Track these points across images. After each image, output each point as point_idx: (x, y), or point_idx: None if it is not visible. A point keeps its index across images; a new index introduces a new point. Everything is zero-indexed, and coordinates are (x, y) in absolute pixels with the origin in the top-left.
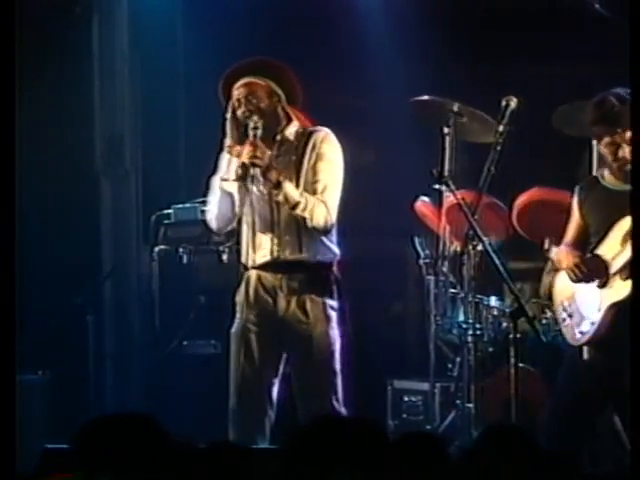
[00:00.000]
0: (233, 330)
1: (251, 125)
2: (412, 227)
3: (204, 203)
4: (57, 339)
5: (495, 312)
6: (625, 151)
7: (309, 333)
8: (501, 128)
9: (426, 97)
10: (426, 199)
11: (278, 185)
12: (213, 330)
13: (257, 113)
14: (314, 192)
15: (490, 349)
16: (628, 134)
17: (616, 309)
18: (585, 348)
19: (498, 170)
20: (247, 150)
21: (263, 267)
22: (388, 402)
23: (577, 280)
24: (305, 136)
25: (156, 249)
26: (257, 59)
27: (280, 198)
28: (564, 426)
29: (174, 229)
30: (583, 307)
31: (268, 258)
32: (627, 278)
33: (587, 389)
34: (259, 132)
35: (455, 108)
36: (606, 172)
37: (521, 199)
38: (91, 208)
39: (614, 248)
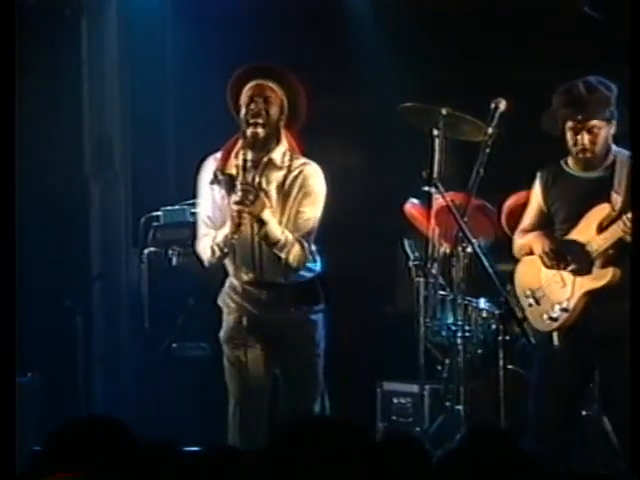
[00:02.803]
0: (222, 334)
1: (249, 135)
2: (401, 229)
3: (193, 205)
4: (47, 341)
5: (484, 314)
6: (585, 139)
7: (294, 338)
8: (490, 130)
9: (414, 103)
10: (415, 201)
11: (261, 222)
12: (202, 332)
13: (262, 117)
14: (296, 227)
15: (479, 351)
16: (591, 123)
17: (590, 296)
18: (555, 335)
19: (487, 172)
20: (236, 196)
21: (249, 284)
22: (377, 404)
23: (551, 265)
24: (295, 168)
25: (145, 251)
26: (272, 64)
27: (262, 234)
28: (547, 420)
29: (163, 231)
30: (553, 293)
31: (251, 277)
32: (605, 266)
33: (561, 375)
34: (261, 131)
35: (444, 112)
36: (570, 159)
37: (510, 201)
38: (80, 210)
39: (587, 235)
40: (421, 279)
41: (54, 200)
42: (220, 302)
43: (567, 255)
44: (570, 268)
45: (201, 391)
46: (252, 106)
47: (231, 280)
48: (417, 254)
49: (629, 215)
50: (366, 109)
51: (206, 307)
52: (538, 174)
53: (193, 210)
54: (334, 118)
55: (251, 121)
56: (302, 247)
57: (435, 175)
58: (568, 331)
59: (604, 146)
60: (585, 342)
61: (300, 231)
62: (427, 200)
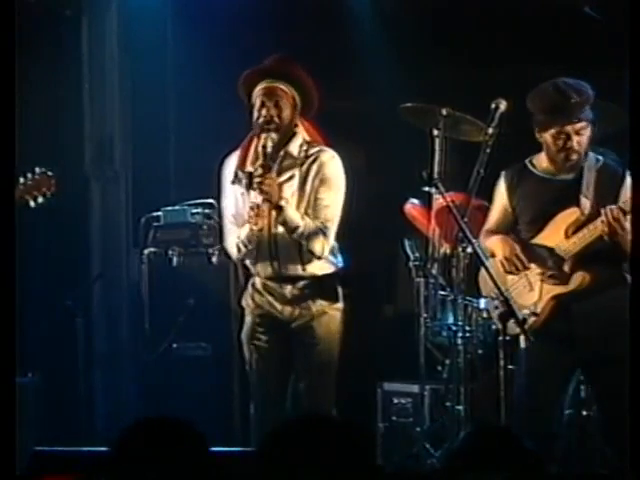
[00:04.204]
0: (243, 334)
1: (262, 142)
2: (402, 229)
3: (194, 206)
4: (47, 341)
5: (485, 314)
6: (574, 142)
7: (314, 335)
8: (490, 130)
9: (415, 103)
10: (416, 201)
11: (279, 208)
12: (203, 332)
13: (274, 124)
14: (315, 215)
15: (480, 351)
16: (578, 125)
17: (558, 300)
18: (521, 337)
19: (487, 172)
20: (258, 173)
21: (268, 279)
22: (378, 404)
23: (511, 270)
24: (311, 155)
25: (146, 251)
26: (282, 60)
27: (280, 220)
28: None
29: (164, 231)
30: (519, 297)
31: (270, 272)
32: (573, 270)
33: (534, 377)
34: (269, 150)
35: (444, 112)
36: (542, 160)
37: None
38: (81, 211)
39: (556, 239)
40: (421, 279)
41: (54, 200)
42: (243, 303)
43: (531, 259)
44: (536, 272)
45: (202, 391)
46: (264, 112)
47: (253, 279)
48: (417, 254)
49: (612, 208)
50: (366, 109)
51: (206, 307)
52: (502, 173)
53: (194, 211)
54: (334, 118)
55: (264, 127)
56: (324, 235)
57: (435, 175)
58: (535, 333)
59: (587, 147)
60: (554, 344)
61: (320, 218)
62: (427, 200)
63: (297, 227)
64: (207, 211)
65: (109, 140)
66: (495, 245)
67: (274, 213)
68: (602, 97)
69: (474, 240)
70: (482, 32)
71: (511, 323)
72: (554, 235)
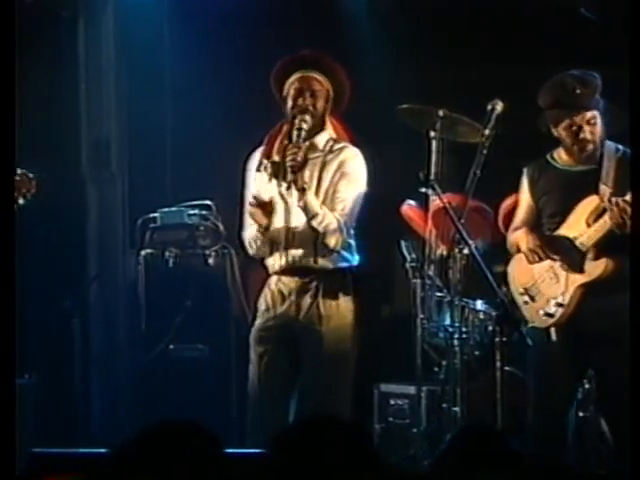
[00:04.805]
0: (252, 335)
1: (296, 125)
2: (398, 231)
3: (190, 207)
4: (44, 342)
5: (481, 316)
6: (586, 132)
7: (323, 335)
8: (487, 132)
9: (411, 105)
10: (412, 202)
11: (303, 191)
12: (200, 334)
13: (309, 113)
14: (332, 208)
15: (476, 353)
16: (588, 114)
17: (584, 289)
18: (552, 330)
19: (484, 173)
20: (291, 151)
21: (280, 272)
22: (374, 405)
23: (535, 261)
24: (335, 150)
25: (142, 253)
26: (318, 52)
27: (301, 204)
28: (545, 418)
29: (160, 233)
30: (547, 289)
31: (283, 264)
32: (597, 258)
33: (559, 370)
34: (303, 133)
35: (441, 113)
36: (561, 154)
37: (506, 202)
38: (77, 212)
39: (578, 229)
40: (418, 281)
41: (50, 201)
42: (258, 304)
43: (553, 251)
44: (560, 263)
45: (198, 392)
46: (299, 101)
47: (269, 280)
48: (414, 256)
49: (618, 200)
50: (362, 110)
51: (203, 309)
52: (524, 170)
53: (190, 212)
54: None
55: (299, 116)
56: (339, 228)
57: (432, 176)
58: (565, 326)
59: (602, 136)
60: (582, 337)
61: (336, 211)
62: (424, 202)
63: (317, 214)
64: (204, 212)
65: (106, 141)
66: (519, 238)
67: (297, 196)
68: (603, 97)
69: (471, 241)
70: (479, 33)
71: (542, 317)
72: (576, 225)
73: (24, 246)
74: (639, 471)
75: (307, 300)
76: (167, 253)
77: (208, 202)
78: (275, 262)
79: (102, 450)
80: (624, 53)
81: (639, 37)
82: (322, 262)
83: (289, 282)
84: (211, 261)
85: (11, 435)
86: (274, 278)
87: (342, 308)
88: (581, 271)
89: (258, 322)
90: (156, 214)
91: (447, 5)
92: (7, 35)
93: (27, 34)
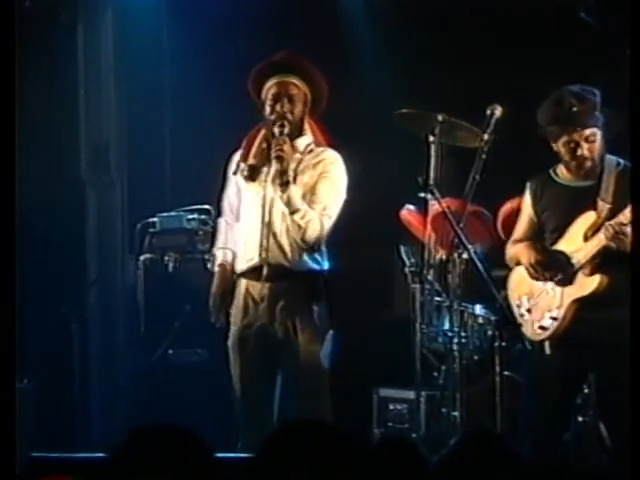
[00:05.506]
0: (229, 342)
1: (276, 133)
2: (398, 235)
3: (190, 212)
4: (43, 347)
5: (480, 320)
6: (584, 149)
7: (297, 340)
8: (486, 136)
9: (410, 109)
10: (411, 207)
11: (287, 184)
12: (199, 338)
13: (287, 119)
14: (312, 209)
15: (475, 357)
16: (587, 132)
17: (579, 304)
18: (546, 344)
19: (483, 178)
20: (277, 142)
21: (250, 273)
22: (374, 410)
23: (537, 276)
24: (314, 154)
25: (141, 257)
26: (294, 56)
27: (284, 198)
28: (539, 426)
29: (159, 237)
30: (543, 302)
31: (256, 262)
32: (591, 274)
33: (553, 384)
34: (286, 130)
35: (440, 118)
36: (563, 169)
37: (505, 207)
38: (77, 217)
39: (575, 244)
40: (417, 285)
41: (50, 206)
42: (231, 309)
43: (550, 266)
44: (557, 278)
45: (197, 397)
46: (277, 107)
47: (238, 285)
48: (413, 260)
49: (612, 222)
50: (361, 115)
51: (202, 313)
52: (528, 184)
53: (189, 216)
54: (329, 123)
55: (278, 123)
56: (321, 225)
57: (431, 181)
58: (559, 340)
59: (601, 152)
60: (576, 351)
61: (317, 212)
62: (423, 206)
63: (299, 209)
64: (203, 217)
65: (105, 146)
66: (520, 252)
67: (280, 189)
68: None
69: (470, 246)
70: (478, 37)
71: (536, 330)
72: (574, 240)
73: (24, 250)
74: (638, 475)
75: (279, 305)
76: (166, 257)
77: (207, 207)
78: (244, 262)
79: (101, 454)
80: (624, 57)
81: (639, 41)
82: (292, 262)
83: (260, 287)
84: (210, 265)
85: (11, 439)
86: (243, 283)
87: (316, 313)
88: (576, 286)
89: (233, 330)
90: (155, 219)
91: (446, 9)
92: (7, 38)
93: (27, 39)
